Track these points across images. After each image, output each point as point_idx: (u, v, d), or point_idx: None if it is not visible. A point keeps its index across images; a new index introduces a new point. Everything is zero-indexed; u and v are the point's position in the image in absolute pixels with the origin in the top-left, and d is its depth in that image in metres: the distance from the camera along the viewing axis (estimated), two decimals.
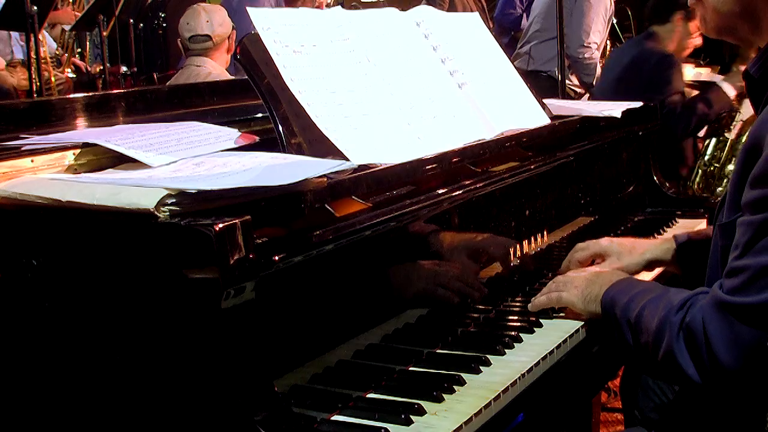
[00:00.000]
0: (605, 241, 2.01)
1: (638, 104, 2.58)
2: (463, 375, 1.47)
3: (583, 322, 1.70)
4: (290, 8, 3.86)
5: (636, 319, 1.54)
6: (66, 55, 6.48)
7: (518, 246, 1.98)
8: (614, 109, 2.39)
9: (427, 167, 1.66)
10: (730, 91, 4.08)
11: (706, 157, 4.31)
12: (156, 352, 1.23)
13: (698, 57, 5.24)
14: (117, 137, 1.55)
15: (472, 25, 2.23)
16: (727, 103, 4.09)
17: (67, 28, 6.51)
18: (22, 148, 1.52)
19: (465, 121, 1.92)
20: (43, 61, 5.11)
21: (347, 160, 1.53)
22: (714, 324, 1.40)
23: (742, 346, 1.37)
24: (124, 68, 6.33)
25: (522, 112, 2.14)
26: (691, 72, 4.65)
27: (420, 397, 1.38)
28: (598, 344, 1.70)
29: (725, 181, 4.20)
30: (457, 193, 1.72)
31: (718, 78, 4.25)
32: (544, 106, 2.26)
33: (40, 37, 4.90)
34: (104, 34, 5.98)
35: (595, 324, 1.69)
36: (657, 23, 4.16)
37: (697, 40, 4.20)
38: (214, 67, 4.27)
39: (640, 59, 4.09)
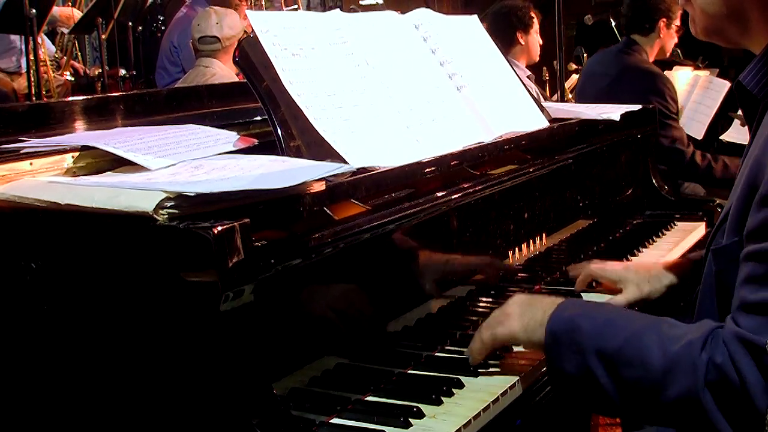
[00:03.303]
0: (620, 267, 1.91)
1: (637, 107, 2.57)
2: (462, 378, 1.47)
3: None
4: (289, 11, 3.86)
5: (618, 350, 1.34)
6: (65, 58, 6.47)
7: (517, 248, 1.98)
8: (613, 112, 2.39)
9: (426, 170, 1.66)
10: None
11: None
12: (155, 356, 1.23)
13: (696, 59, 5.25)
14: (116, 140, 1.55)
15: (471, 27, 2.23)
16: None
17: (66, 31, 6.51)
18: (21, 151, 1.51)
19: (464, 124, 1.92)
20: (42, 64, 5.11)
21: (346, 163, 1.53)
22: (748, 367, 1.24)
23: None
24: (122, 71, 6.33)
25: (521, 114, 2.14)
26: (689, 75, 4.65)
27: (419, 400, 1.38)
28: None
29: None
30: (455, 196, 1.72)
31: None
32: (543, 109, 2.26)
33: (39, 40, 4.90)
34: (103, 37, 5.98)
35: None
36: (639, 33, 4.16)
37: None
38: (221, 69, 4.30)
39: (629, 72, 4.06)
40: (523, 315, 1.48)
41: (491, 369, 1.52)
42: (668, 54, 4.36)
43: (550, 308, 1.44)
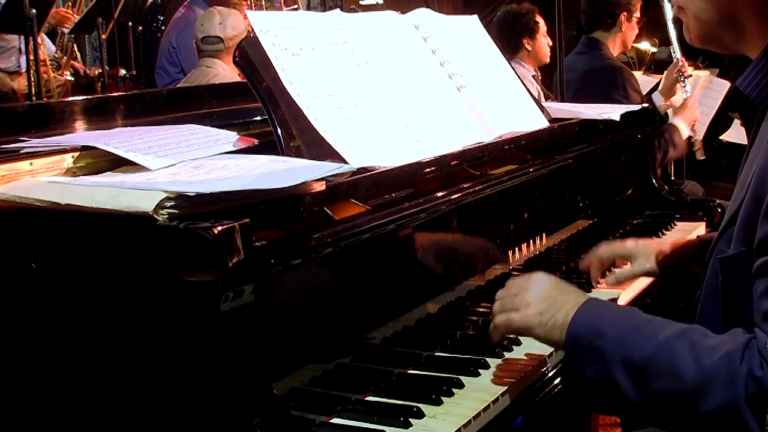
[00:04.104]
0: (630, 243, 1.96)
1: (637, 107, 2.58)
2: (462, 378, 1.47)
3: None
4: (289, 11, 3.86)
5: (646, 361, 1.31)
6: (65, 58, 6.47)
7: (517, 248, 1.98)
8: (613, 112, 2.39)
9: (426, 170, 1.66)
10: (685, 132, 3.92)
11: None
12: (155, 356, 1.23)
13: (696, 59, 5.24)
14: (116, 140, 1.55)
15: (471, 27, 2.23)
16: (683, 147, 3.97)
17: (66, 31, 6.51)
18: (21, 151, 1.52)
19: (464, 123, 1.92)
20: (42, 64, 5.11)
21: (346, 163, 1.53)
22: None
23: None
24: (122, 71, 6.33)
25: (521, 114, 2.14)
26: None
27: (419, 400, 1.38)
28: None
29: None
30: (455, 196, 1.72)
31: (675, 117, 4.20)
32: (543, 109, 2.26)
33: (39, 40, 4.89)
34: (103, 37, 5.98)
35: None
36: (601, 29, 4.16)
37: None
38: (224, 69, 4.30)
39: (588, 73, 4.08)
40: (544, 312, 1.44)
41: (492, 368, 1.52)
42: (630, 47, 4.36)
43: (573, 309, 1.41)
